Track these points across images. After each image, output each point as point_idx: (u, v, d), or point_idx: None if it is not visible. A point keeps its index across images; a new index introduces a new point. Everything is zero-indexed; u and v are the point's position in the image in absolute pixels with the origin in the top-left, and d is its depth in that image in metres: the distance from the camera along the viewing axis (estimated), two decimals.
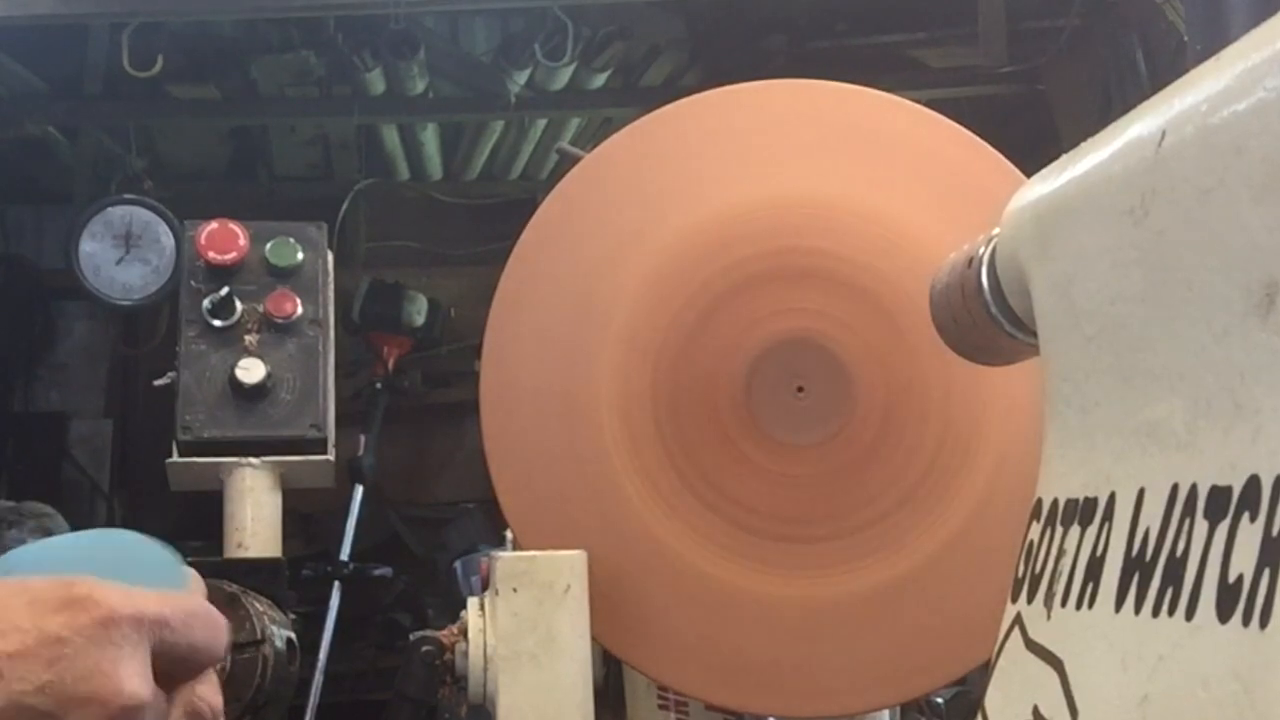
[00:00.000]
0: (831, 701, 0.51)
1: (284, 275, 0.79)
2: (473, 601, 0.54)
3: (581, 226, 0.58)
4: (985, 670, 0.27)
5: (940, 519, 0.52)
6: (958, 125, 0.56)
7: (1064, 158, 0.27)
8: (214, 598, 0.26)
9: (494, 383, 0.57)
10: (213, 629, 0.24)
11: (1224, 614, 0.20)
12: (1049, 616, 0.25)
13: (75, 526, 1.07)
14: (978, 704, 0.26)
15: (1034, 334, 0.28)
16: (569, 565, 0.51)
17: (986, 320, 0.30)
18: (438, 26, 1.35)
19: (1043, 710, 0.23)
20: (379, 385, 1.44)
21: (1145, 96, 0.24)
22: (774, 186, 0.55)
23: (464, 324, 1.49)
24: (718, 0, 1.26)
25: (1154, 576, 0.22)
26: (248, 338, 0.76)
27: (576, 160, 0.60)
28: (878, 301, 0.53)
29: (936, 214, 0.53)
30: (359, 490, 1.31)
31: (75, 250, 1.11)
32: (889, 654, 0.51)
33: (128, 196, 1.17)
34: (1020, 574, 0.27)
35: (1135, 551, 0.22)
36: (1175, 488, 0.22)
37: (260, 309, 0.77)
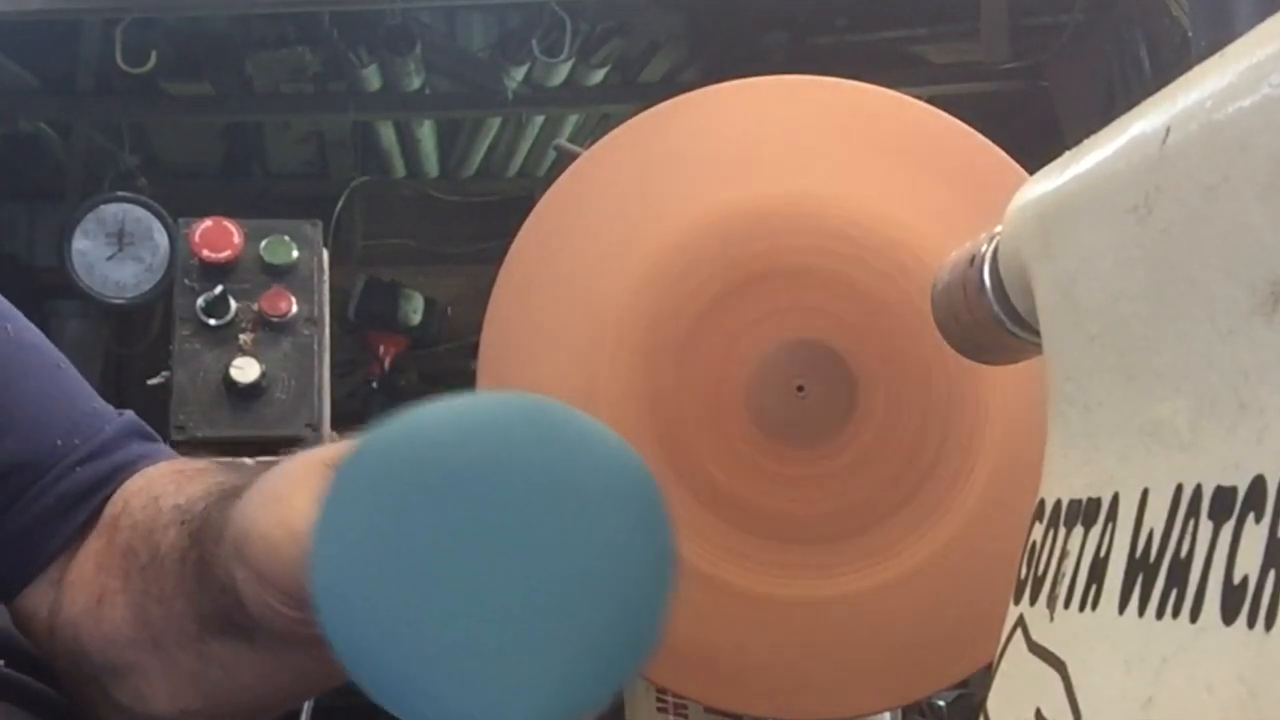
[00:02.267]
0: (832, 703, 0.51)
1: (279, 274, 0.78)
2: None
3: (579, 224, 0.58)
4: (987, 673, 0.27)
5: (942, 519, 0.51)
6: (959, 122, 0.56)
7: (1067, 155, 0.27)
8: None
9: (491, 382, 0.57)
10: None
11: (1229, 616, 0.19)
12: (1052, 618, 0.24)
13: None
14: (980, 706, 0.26)
15: (1037, 333, 0.28)
16: None
17: (989, 319, 0.30)
18: (434, 22, 1.35)
19: (1045, 713, 0.23)
20: (375, 384, 1.43)
21: (1149, 93, 0.24)
22: (774, 184, 0.55)
23: (461, 322, 1.48)
24: None
25: (1158, 578, 0.21)
26: (242, 337, 0.75)
27: (574, 157, 0.60)
28: (879, 300, 0.53)
29: (938, 211, 0.53)
30: None
31: (68, 248, 1.11)
32: (890, 656, 0.51)
33: (121, 194, 1.16)
34: (1022, 575, 0.26)
35: (1139, 553, 0.22)
36: (1179, 488, 0.22)
37: (255, 308, 0.76)
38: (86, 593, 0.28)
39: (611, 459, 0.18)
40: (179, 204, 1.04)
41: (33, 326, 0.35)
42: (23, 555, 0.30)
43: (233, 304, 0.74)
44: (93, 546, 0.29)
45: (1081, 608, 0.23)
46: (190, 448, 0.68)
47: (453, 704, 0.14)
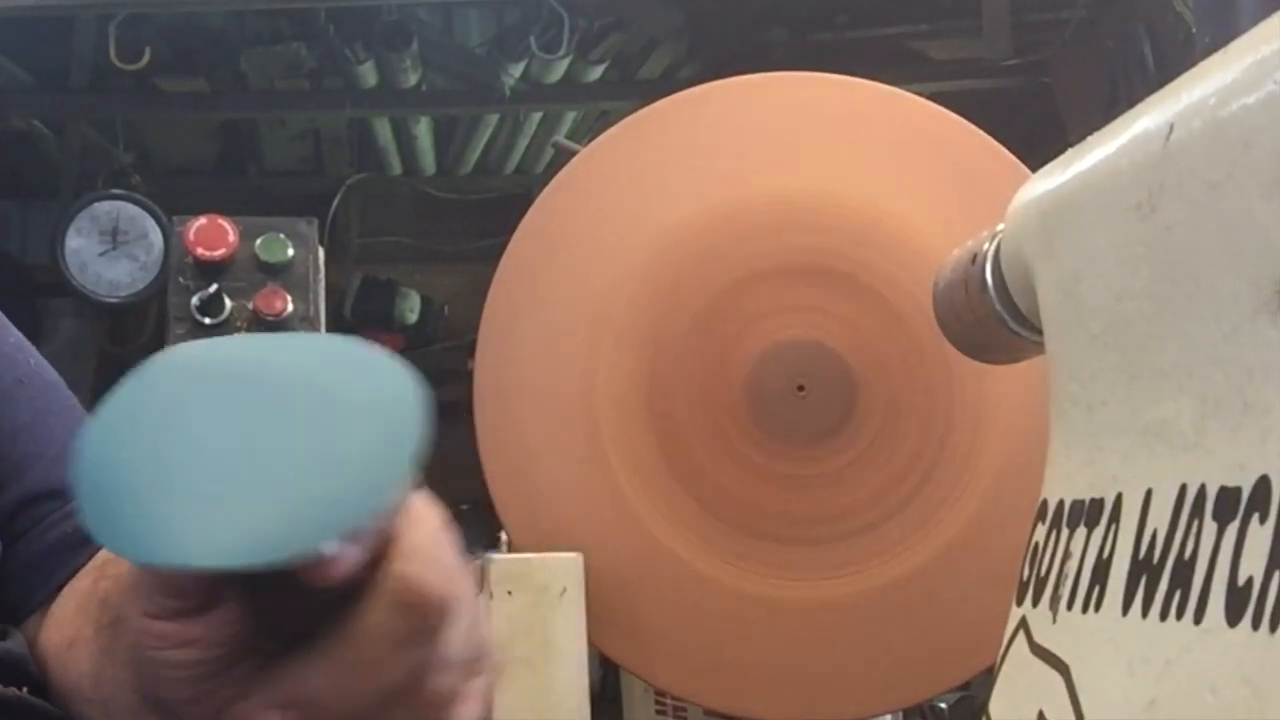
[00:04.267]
0: (832, 706, 0.51)
1: (274, 272, 0.78)
2: None
3: (577, 222, 0.57)
4: (989, 675, 0.26)
5: (943, 520, 0.51)
6: (961, 119, 0.56)
7: (1070, 152, 0.26)
8: None
9: (488, 382, 0.57)
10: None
11: (1233, 617, 0.19)
12: (1054, 620, 0.24)
13: None
14: (982, 709, 0.26)
15: (1039, 332, 0.28)
16: (565, 568, 0.51)
17: (991, 318, 0.29)
18: (431, 18, 1.34)
19: (1048, 715, 0.23)
20: None
21: (1152, 89, 0.24)
22: (774, 181, 0.55)
23: (458, 321, 1.47)
24: None
25: (1162, 579, 0.21)
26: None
27: (573, 154, 0.60)
28: (880, 298, 0.53)
29: (940, 209, 0.53)
30: None
31: (61, 246, 1.10)
32: (891, 658, 0.51)
33: (115, 191, 1.15)
34: (1025, 577, 0.26)
35: (1143, 554, 0.22)
36: (1183, 489, 0.21)
37: (250, 306, 0.76)
38: (61, 633, 0.27)
39: (374, 377, 0.19)
40: (173, 202, 1.04)
41: (47, 364, 0.34)
42: (33, 582, 0.29)
43: (227, 302, 0.74)
44: (80, 585, 0.28)
45: (1084, 609, 0.23)
46: None
47: (150, 536, 0.16)
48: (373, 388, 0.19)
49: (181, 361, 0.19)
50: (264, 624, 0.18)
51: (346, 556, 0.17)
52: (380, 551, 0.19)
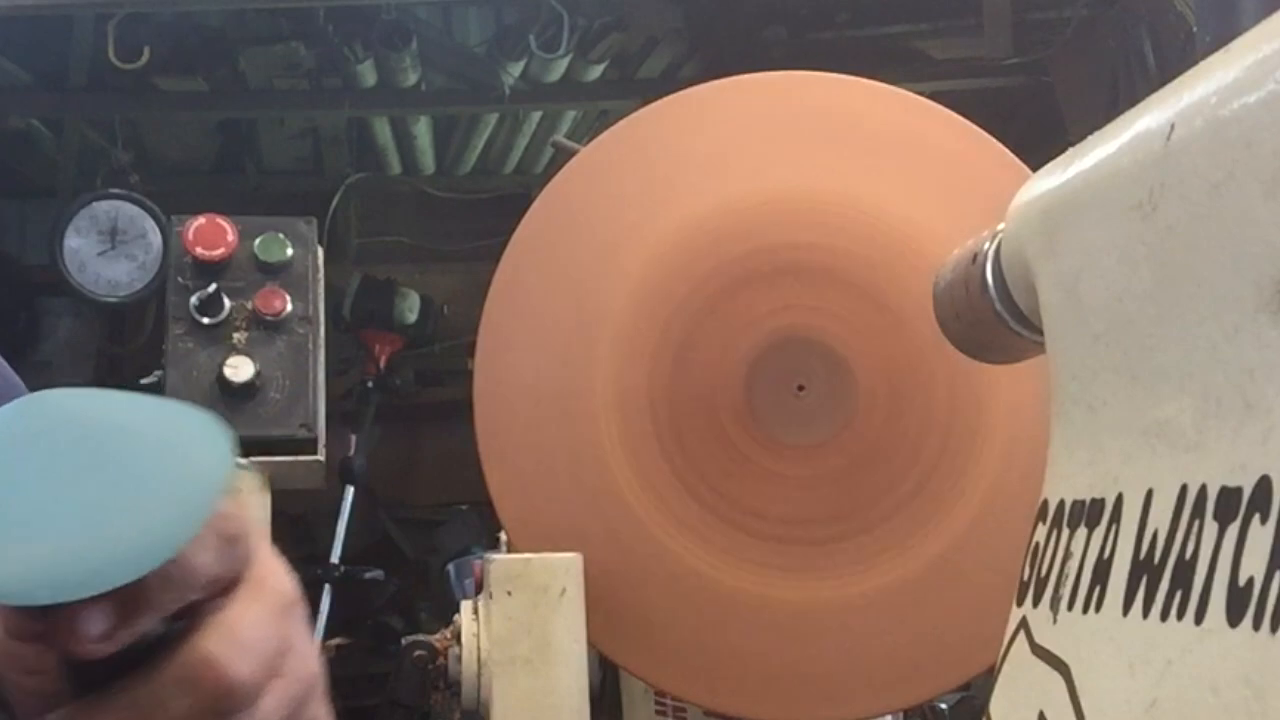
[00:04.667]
0: (833, 707, 0.51)
1: (273, 271, 0.78)
2: (466, 605, 0.54)
3: (577, 222, 0.57)
4: (990, 675, 0.26)
5: (944, 521, 0.51)
6: (962, 118, 0.56)
7: (1070, 151, 0.26)
8: None
9: (488, 381, 0.57)
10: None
11: (1234, 618, 0.19)
12: (1055, 620, 0.24)
13: None
14: (982, 709, 0.26)
15: (1040, 331, 0.28)
16: (564, 568, 0.51)
17: (991, 317, 0.29)
18: (430, 18, 1.34)
19: (1049, 716, 0.23)
20: (370, 384, 1.43)
21: (1153, 88, 0.24)
22: (774, 181, 0.55)
23: (457, 321, 1.48)
24: None
25: (1162, 579, 0.21)
26: (236, 335, 0.75)
27: (572, 154, 0.60)
28: (880, 298, 0.53)
29: (940, 209, 0.53)
30: (350, 491, 1.30)
31: (60, 246, 1.10)
32: (892, 659, 0.51)
33: (114, 191, 1.15)
34: (1026, 577, 0.26)
35: (1143, 554, 0.22)
36: (1184, 489, 0.21)
37: (249, 306, 0.76)
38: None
39: (191, 438, 0.20)
40: (172, 201, 1.04)
41: (10, 370, 0.34)
42: None
43: (226, 302, 0.74)
44: None
45: (1085, 609, 0.23)
46: None
47: None
48: (189, 455, 0.19)
49: (34, 408, 0.19)
50: (68, 669, 0.18)
51: (104, 634, 0.17)
52: (196, 619, 0.18)
